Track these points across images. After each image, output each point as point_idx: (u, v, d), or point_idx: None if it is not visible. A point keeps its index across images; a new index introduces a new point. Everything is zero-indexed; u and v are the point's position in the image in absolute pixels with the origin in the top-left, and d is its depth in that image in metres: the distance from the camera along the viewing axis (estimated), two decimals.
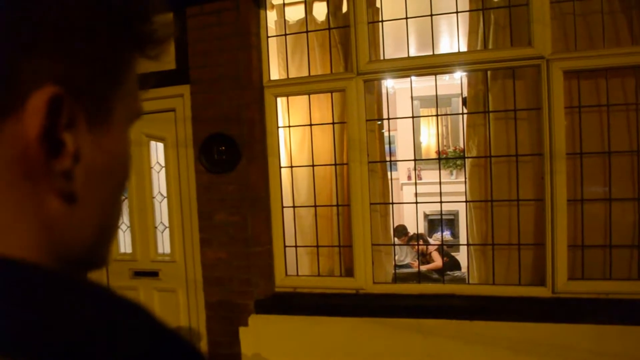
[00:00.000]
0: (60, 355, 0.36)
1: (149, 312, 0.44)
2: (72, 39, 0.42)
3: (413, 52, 3.51)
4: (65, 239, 0.44)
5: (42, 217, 0.42)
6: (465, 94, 3.60)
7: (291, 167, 3.78)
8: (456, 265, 5.77)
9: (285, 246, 3.65)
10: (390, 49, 3.64)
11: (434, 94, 3.51)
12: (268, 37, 3.62)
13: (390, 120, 3.88)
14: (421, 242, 5.81)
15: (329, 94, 3.64)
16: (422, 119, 8.47)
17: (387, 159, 3.93)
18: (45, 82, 0.40)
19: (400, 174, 8.54)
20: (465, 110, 3.64)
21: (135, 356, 0.40)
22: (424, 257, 5.76)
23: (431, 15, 3.32)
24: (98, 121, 0.45)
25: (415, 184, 3.91)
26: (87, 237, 0.47)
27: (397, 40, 3.91)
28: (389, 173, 3.82)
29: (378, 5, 3.49)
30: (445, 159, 8.22)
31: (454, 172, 8.23)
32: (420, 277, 3.82)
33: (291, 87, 3.60)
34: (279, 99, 3.66)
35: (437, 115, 4.19)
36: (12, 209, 0.41)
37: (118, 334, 0.40)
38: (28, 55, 0.40)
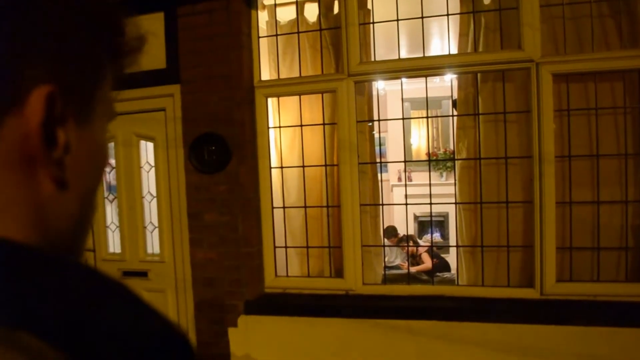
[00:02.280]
0: (51, 326, 0.40)
1: (133, 291, 0.48)
2: (65, 47, 0.49)
3: (404, 54, 3.52)
4: (53, 223, 0.49)
5: (37, 200, 0.48)
6: (455, 96, 3.61)
7: (281, 167, 3.77)
8: (446, 267, 5.78)
9: (275, 247, 3.64)
10: (381, 51, 3.64)
11: (425, 96, 3.52)
12: (259, 37, 3.61)
13: (380, 122, 3.88)
14: (411, 243, 5.83)
15: (320, 95, 3.64)
16: (412, 120, 8.50)
17: (378, 160, 3.94)
18: (42, 82, 0.46)
19: (391, 175, 8.56)
20: (455, 113, 3.66)
21: (119, 328, 0.44)
22: (414, 259, 5.77)
23: (422, 17, 3.33)
24: (83, 118, 0.51)
25: (406, 185, 3.93)
26: (71, 223, 0.52)
27: (388, 42, 3.92)
28: (379, 174, 3.82)
29: (369, 6, 3.49)
30: (435, 161, 8.25)
31: (444, 174, 8.26)
32: (409, 278, 3.83)
33: (282, 87, 3.60)
34: (269, 100, 3.66)
35: (427, 117, 4.20)
36: (10, 191, 0.46)
37: (104, 308, 0.45)
38: (30, 59, 0.46)
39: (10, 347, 0.36)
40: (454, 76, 3.61)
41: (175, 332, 0.49)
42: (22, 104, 0.45)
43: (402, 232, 6.12)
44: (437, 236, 8.00)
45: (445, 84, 5.85)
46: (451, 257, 5.56)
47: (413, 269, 5.29)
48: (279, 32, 3.69)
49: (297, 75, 3.62)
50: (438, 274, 5.34)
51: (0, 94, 0.45)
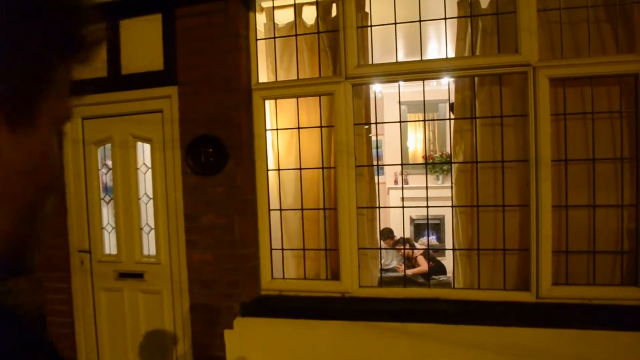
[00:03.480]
0: None
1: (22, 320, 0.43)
2: None
3: (401, 57, 3.52)
4: None
5: None
6: (452, 99, 3.62)
7: (278, 169, 3.78)
8: (442, 270, 5.79)
9: (271, 249, 3.64)
10: (379, 54, 3.64)
11: (422, 99, 3.53)
12: (257, 39, 3.61)
13: (377, 125, 3.89)
14: (407, 246, 5.84)
15: (317, 98, 3.64)
16: (409, 124, 8.51)
17: (374, 163, 3.94)
18: None
19: (387, 178, 8.57)
20: (452, 116, 3.66)
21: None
22: (410, 262, 5.78)
23: (420, 21, 3.34)
24: (20, 122, 0.45)
25: (402, 188, 3.92)
26: (5, 237, 0.46)
27: (385, 45, 3.92)
28: (376, 177, 3.83)
29: (367, 9, 3.50)
30: (431, 164, 8.26)
31: (441, 177, 8.27)
32: (406, 281, 3.83)
33: (279, 90, 3.60)
34: (267, 102, 3.66)
35: (424, 120, 4.21)
36: None
37: None
38: None
39: None
40: (451, 80, 3.62)
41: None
42: None
43: (398, 234, 6.13)
44: (433, 239, 8.00)
45: (442, 87, 5.88)
46: (447, 260, 5.57)
47: (409, 272, 5.29)
48: (276, 35, 3.69)
49: (295, 77, 3.62)
50: (434, 276, 5.35)
51: None
